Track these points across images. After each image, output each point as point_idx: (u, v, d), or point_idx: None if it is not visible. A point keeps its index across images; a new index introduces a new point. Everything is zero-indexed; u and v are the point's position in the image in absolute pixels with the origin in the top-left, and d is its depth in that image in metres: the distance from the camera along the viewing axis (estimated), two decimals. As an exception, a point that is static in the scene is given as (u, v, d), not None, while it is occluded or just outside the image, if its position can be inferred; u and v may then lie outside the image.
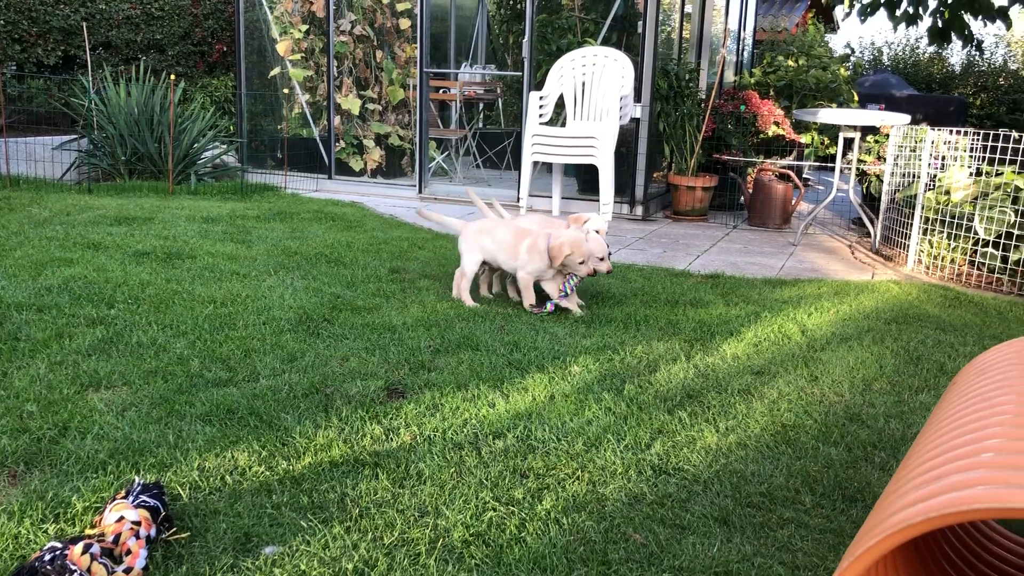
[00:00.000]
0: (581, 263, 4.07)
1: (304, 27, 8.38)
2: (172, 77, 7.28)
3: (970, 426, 1.63)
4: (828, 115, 6.48)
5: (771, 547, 2.12)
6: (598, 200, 6.88)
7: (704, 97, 7.84)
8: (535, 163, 7.18)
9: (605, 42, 7.61)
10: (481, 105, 10.26)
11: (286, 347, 3.40)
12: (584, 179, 7.75)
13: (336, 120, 8.42)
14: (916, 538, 2.06)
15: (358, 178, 8.48)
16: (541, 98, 7.08)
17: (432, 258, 5.35)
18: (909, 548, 1.95)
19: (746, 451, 2.70)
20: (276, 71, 8.52)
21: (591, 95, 7.16)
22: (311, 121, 8.62)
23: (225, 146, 8.54)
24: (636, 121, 7.26)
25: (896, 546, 1.40)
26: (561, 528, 2.13)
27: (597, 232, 4.33)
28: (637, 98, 7.21)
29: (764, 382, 3.38)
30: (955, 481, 1.37)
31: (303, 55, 8.45)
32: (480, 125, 10.27)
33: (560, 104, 7.34)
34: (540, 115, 7.08)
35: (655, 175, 7.84)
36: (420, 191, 8.12)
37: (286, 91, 8.55)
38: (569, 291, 4.22)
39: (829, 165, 7.24)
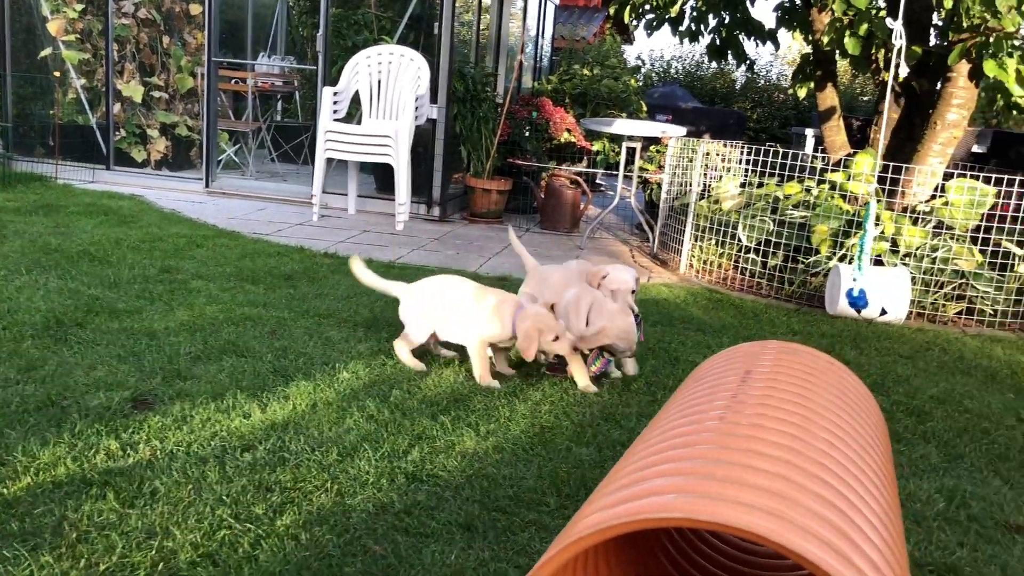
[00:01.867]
0: (555, 340, 3.35)
1: (80, 6, 7.81)
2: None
3: (672, 432, 1.73)
4: (609, 125, 6.76)
5: (509, 551, 2.16)
6: (394, 199, 6.84)
7: (501, 101, 7.97)
8: (329, 160, 7.04)
9: (402, 41, 7.58)
10: (279, 97, 9.96)
11: (25, 355, 3.14)
12: (382, 178, 7.69)
13: (116, 107, 7.91)
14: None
15: (141, 170, 8.01)
16: (336, 94, 6.95)
17: (210, 257, 5.13)
18: (626, 539, 2.05)
19: (502, 454, 2.75)
20: (47, 52, 7.89)
21: (387, 93, 7.11)
22: (88, 107, 8.04)
23: (-12, 130, 7.82)
24: (433, 122, 7.28)
25: (590, 546, 1.45)
26: (299, 544, 2.08)
27: (618, 290, 3.67)
28: (434, 99, 7.23)
29: (531, 384, 3.46)
30: (650, 487, 1.45)
31: (78, 36, 7.87)
32: (278, 118, 9.96)
33: (356, 101, 7.24)
34: (335, 111, 6.96)
35: (454, 176, 7.89)
36: (207, 185, 7.77)
37: (58, 74, 7.93)
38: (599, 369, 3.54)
39: (615, 173, 7.55)
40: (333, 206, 7.44)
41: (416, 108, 6.91)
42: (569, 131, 7.89)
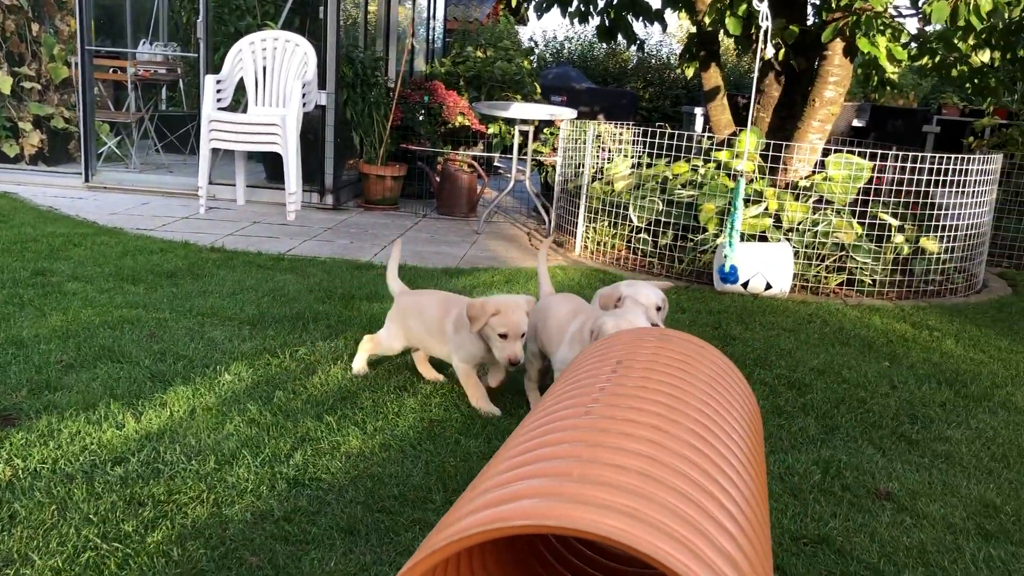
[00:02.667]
0: (503, 335, 3.01)
1: (-64, -8, 7.34)
2: None
3: (540, 430, 1.74)
4: (501, 109, 6.75)
5: (392, 552, 2.14)
6: (285, 189, 6.68)
7: (392, 86, 7.86)
8: (215, 150, 6.83)
9: (287, 26, 7.38)
10: (163, 86, 9.59)
11: None
12: (271, 167, 7.50)
13: (-17, 99, 7.48)
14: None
15: (14, 165, 7.61)
16: (219, 82, 6.73)
17: (88, 256, 4.91)
18: (504, 540, 2.05)
19: (389, 452, 2.72)
20: (-99, 41, 7.40)
21: (273, 80, 6.93)
22: (-49, 100, 7.58)
23: None
24: (322, 108, 7.13)
25: (453, 553, 1.43)
26: (170, 561, 2.01)
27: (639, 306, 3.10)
28: (322, 85, 7.08)
29: (421, 377, 3.44)
30: (510, 492, 1.44)
31: (-64, 24, 7.40)
32: (162, 108, 9.60)
33: (242, 88, 7.03)
34: (219, 100, 6.74)
35: (348, 164, 7.76)
36: (87, 179, 7.44)
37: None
38: None
39: (510, 156, 7.54)
40: (222, 197, 7.22)
41: (304, 95, 6.75)
42: (463, 114, 7.85)
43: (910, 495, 2.71)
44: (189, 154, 8.97)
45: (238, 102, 7.18)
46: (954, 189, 5.64)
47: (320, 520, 2.27)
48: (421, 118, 7.77)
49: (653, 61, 12.74)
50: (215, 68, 7.10)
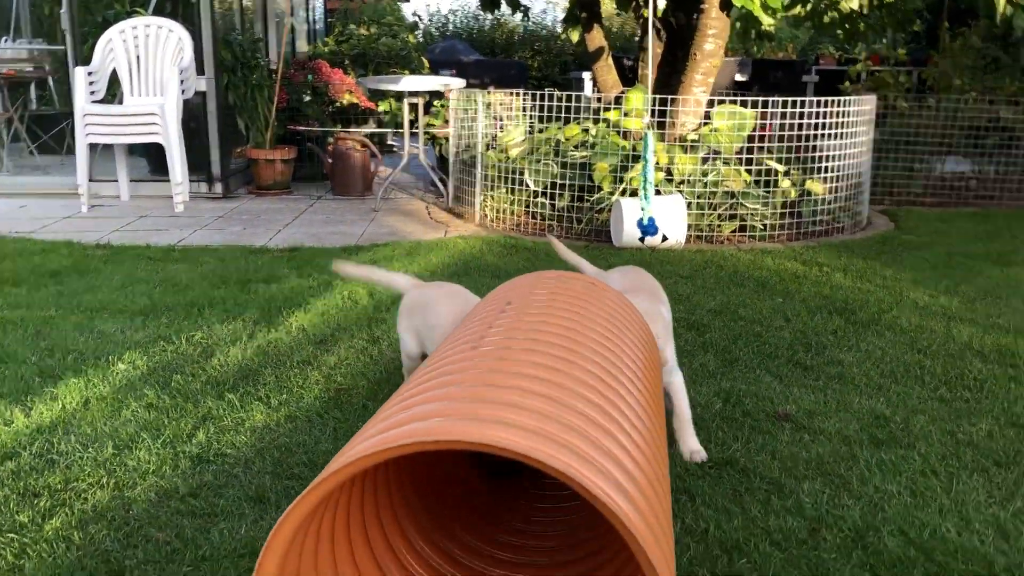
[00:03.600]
0: None
1: None
2: None
3: (443, 361, 1.74)
4: (387, 83, 6.68)
5: (304, 516, 2.11)
6: (170, 180, 6.47)
7: (275, 68, 7.68)
8: (93, 145, 6.56)
9: (158, 11, 7.11)
10: (31, 85, 9.13)
11: None
12: (154, 159, 7.23)
13: None
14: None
15: None
16: (90, 74, 6.45)
17: (-38, 262, 4.66)
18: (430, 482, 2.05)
19: (295, 423, 2.68)
20: None
21: (147, 68, 6.68)
22: None
23: None
24: (202, 94, 6.91)
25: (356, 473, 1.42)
26: (71, 545, 1.94)
27: None
28: (200, 70, 6.86)
29: (326, 350, 3.39)
30: (414, 414, 1.44)
31: None
32: (33, 107, 9.14)
33: (116, 79, 6.76)
34: (92, 93, 6.46)
35: (235, 152, 7.55)
36: (-45, 186, 7.05)
37: None
38: None
39: (402, 130, 7.47)
40: (105, 195, 6.94)
41: (182, 81, 6.53)
42: (351, 92, 7.73)
43: (807, 415, 2.82)
44: (66, 153, 8.56)
45: (113, 95, 6.90)
46: (834, 131, 5.85)
47: (227, 492, 2.23)
48: (307, 99, 7.62)
49: (541, 31, 12.82)
50: (85, 61, 6.80)
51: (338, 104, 7.76)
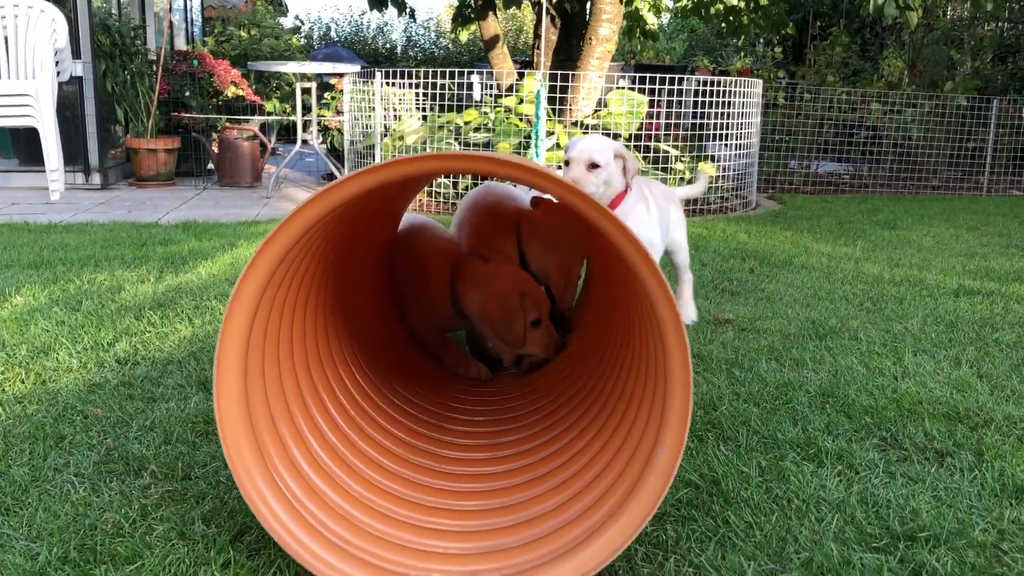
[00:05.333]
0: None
1: None
2: None
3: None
4: (277, 66, 6.51)
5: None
6: (45, 169, 6.05)
7: (155, 58, 7.36)
8: (-45, 130, 6.07)
9: (28, -9, 6.70)
10: None
11: None
12: (26, 148, 6.76)
13: None
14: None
15: None
16: (-48, 52, 5.99)
17: None
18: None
19: (227, 336, 2.50)
20: None
21: (19, 50, 6.26)
22: None
23: None
24: (79, 80, 6.53)
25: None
26: (-4, 417, 1.72)
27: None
28: (76, 54, 6.48)
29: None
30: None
31: None
32: None
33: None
34: (-46, 73, 5.99)
35: (119, 144, 7.14)
36: None
37: None
38: None
39: (293, 117, 7.28)
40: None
41: (56, 63, 6.15)
42: (236, 84, 7.48)
43: (748, 320, 2.86)
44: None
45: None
46: (724, 110, 6.07)
47: (167, 381, 2.04)
48: (188, 93, 7.32)
49: (424, 41, 12.86)
50: (-55, 40, 6.31)
51: (223, 96, 7.49)
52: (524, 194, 2.49)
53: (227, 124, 7.12)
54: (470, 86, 7.98)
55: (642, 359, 1.40)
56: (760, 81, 6.40)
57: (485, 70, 7.24)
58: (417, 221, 2.34)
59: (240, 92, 7.47)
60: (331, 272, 1.63)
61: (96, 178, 6.70)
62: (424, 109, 6.72)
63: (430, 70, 6.32)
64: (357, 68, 6.74)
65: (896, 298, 3.25)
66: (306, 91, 6.74)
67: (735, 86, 6.09)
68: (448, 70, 6.42)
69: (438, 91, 6.19)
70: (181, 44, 9.12)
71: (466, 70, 7.31)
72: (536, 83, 6.05)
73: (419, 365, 2.08)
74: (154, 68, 7.06)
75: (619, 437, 1.35)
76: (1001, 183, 7.64)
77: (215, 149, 6.99)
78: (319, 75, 7.86)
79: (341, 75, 6.88)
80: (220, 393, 1.21)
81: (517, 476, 1.50)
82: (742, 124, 6.25)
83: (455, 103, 6.27)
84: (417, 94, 6.71)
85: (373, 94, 6.41)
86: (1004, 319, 2.95)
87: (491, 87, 6.90)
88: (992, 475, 1.64)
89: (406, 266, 2.20)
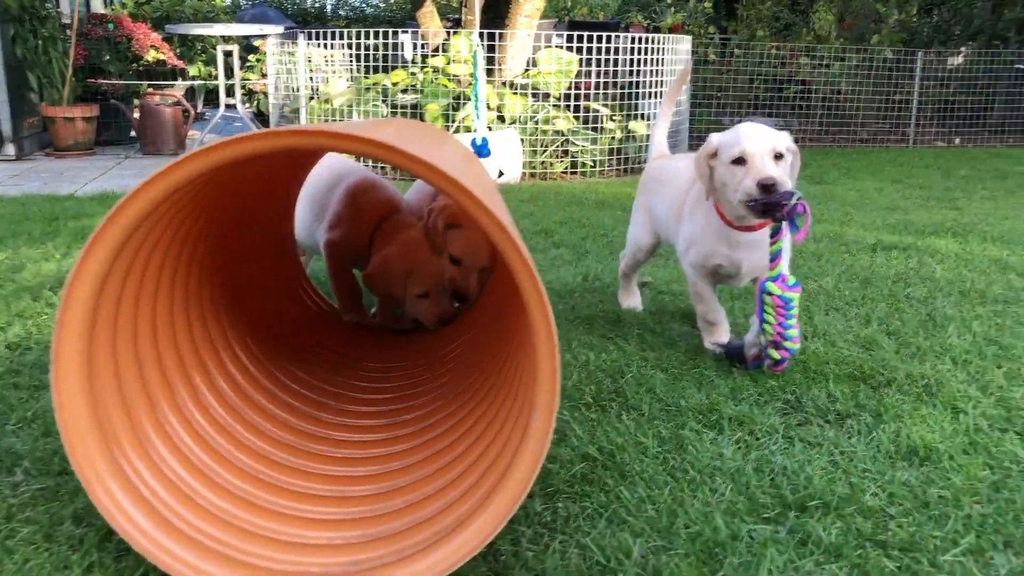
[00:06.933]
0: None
1: None
2: None
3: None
4: (198, 28, 6.29)
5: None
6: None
7: (69, 22, 7.06)
8: None
9: (-74, -47, 6.36)
10: None
11: None
12: (-69, 121, 6.46)
13: None
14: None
15: None
16: None
17: None
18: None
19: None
20: None
21: (-83, 14, 5.95)
22: None
23: None
24: (-15, 46, 6.23)
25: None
26: None
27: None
28: (-20, 18, 6.19)
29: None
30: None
31: None
32: None
33: None
34: None
35: (36, 113, 6.86)
36: None
37: None
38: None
39: (214, 82, 7.05)
40: None
41: (-40, 28, 5.86)
42: (156, 48, 7.22)
43: (664, 283, 2.86)
44: None
45: None
46: (653, 68, 6.04)
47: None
48: (107, 57, 7.05)
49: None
50: None
51: (144, 61, 7.22)
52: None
53: (150, 90, 6.88)
54: (403, 46, 7.81)
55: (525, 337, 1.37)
56: (688, 38, 6.37)
57: (417, 29, 7.10)
58: (370, 177, 2.37)
59: (161, 56, 7.22)
60: (210, 252, 1.56)
61: (10, 149, 6.44)
62: (354, 71, 6.58)
63: (359, 30, 6.17)
64: (280, 30, 6.54)
65: (815, 255, 3.27)
66: (228, 54, 6.53)
67: (663, 43, 6.05)
68: (378, 30, 6.27)
69: (368, 52, 6.05)
70: (99, 7, 8.76)
71: (399, 30, 7.16)
72: (467, 42, 5.94)
73: (323, 346, 2.03)
74: (68, 32, 6.76)
75: (503, 414, 1.32)
76: (926, 135, 7.76)
77: (137, 116, 6.76)
78: (244, 37, 7.65)
79: (265, 37, 6.68)
80: (58, 381, 1.14)
81: (411, 456, 1.47)
82: (671, 82, 6.21)
83: (386, 64, 6.13)
84: (347, 55, 6.56)
85: (296, 56, 6.25)
86: (918, 273, 2.99)
87: (422, 47, 6.77)
88: (888, 437, 1.65)
89: (344, 213, 2.26)
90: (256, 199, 1.84)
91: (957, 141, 7.81)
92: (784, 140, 2.03)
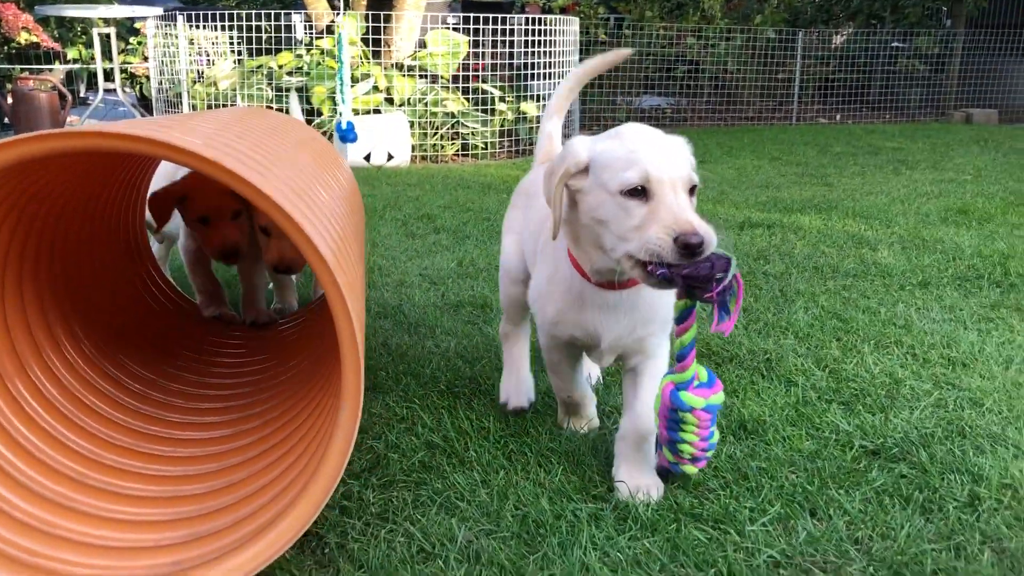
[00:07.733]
0: None
1: None
2: None
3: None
4: (66, 9, 6.05)
5: None
6: None
7: (-69, 3, 6.70)
8: None
9: None
10: None
11: None
12: None
13: None
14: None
15: None
16: None
17: None
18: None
19: None
20: None
21: None
22: None
23: None
24: None
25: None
26: None
27: None
28: None
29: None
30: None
31: None
32: None
33: None
34: None
35: None
36: None
37: None
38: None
39: (94, 66, 6.80)
40: None
41: None
42: (28, 30, 6.91)
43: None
44: None
45: None
46: (545, 49, 6.09)
47: None
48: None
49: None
50: None
51: (15, 44, 6.90)
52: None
53: (24, 75, 6.60)
54: (295, 27, 7.68)
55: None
56: (576, 19, 6.44)
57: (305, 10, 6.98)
58: None
59: (35, 39, 6.92)
60: (46, 240, 1.53)
61: None
62: (241, 53, 6.45)
63: (245, 12, 6.03)
64: (158, 12, 6.35)
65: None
66: (106, 36, 6.30)
67: (553, 24, 6.10)
68: (266, 12, 6.15)
69: (255, 33, 5.94)
70: (-34, -15, 8.31)
71: (292, 11, 7.04)
72: (353, 23, 5.87)
73: (174, 341, 2.00)
74: (-70, 14, 6.42)
75: (324, 406, 1.35)
76: (808, 112, 8.05)
77: (9, 102, 6.48)
78: (125, 18, 7.39)
79: (145, 18, 6.47)
80: None
81: (250, 451, 1.48)
82: (562, 63, 6.28)
83: (276, 46, 6.03)
84: (233, 37, 6.42)
85: (177, 38, 6.08)
86: (779, 250, 3.11)
87: (309, 28, 6.66)
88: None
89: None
90: (99, 188, 1.80)
91: (838, 118, 8.11)
92: (691, 160, 1.37)
